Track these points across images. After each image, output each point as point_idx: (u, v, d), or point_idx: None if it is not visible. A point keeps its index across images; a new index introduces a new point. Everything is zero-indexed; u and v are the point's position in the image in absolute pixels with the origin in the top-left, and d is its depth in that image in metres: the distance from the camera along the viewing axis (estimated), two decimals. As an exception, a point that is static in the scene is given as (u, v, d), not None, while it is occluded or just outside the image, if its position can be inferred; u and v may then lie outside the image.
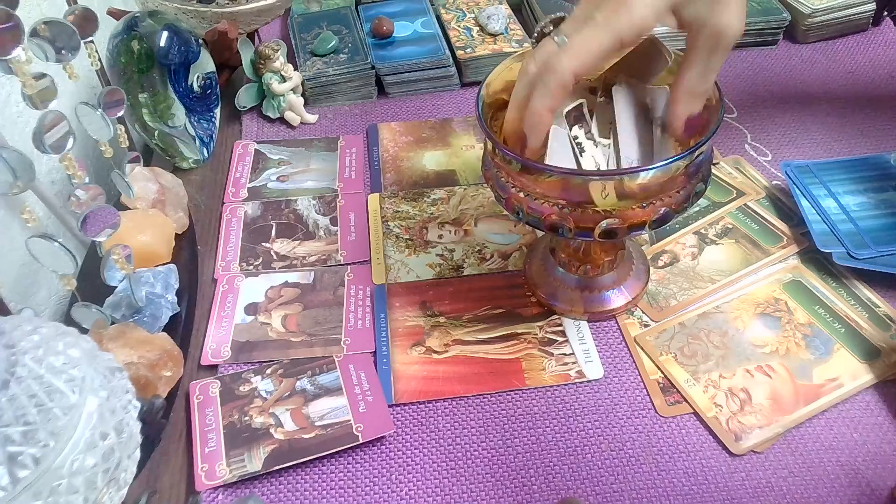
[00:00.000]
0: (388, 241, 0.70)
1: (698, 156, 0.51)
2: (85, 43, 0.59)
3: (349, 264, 0.69)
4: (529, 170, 0.51)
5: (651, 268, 0.65)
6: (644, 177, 0.49)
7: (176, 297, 0.64)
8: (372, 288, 0.66)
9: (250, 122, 0.85)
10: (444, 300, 0.64)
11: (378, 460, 0.54)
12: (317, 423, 0.56)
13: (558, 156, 0.52)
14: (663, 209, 0.51)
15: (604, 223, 0.51)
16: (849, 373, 0.57)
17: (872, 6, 0.89)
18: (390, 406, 0.57)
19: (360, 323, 0.63)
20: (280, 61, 0.83)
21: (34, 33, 0.53)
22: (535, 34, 0.52)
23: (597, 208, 0.50)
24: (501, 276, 0.66)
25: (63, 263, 0.52)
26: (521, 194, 0.53)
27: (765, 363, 0.58)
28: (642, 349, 0.60)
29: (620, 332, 0.61)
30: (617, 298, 0.62)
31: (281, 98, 0.84)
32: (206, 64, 0.79)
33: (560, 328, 0.62)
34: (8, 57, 0.49)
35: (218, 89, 0.81)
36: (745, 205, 0.70)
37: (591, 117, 0.57)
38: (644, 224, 0.51)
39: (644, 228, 0.51)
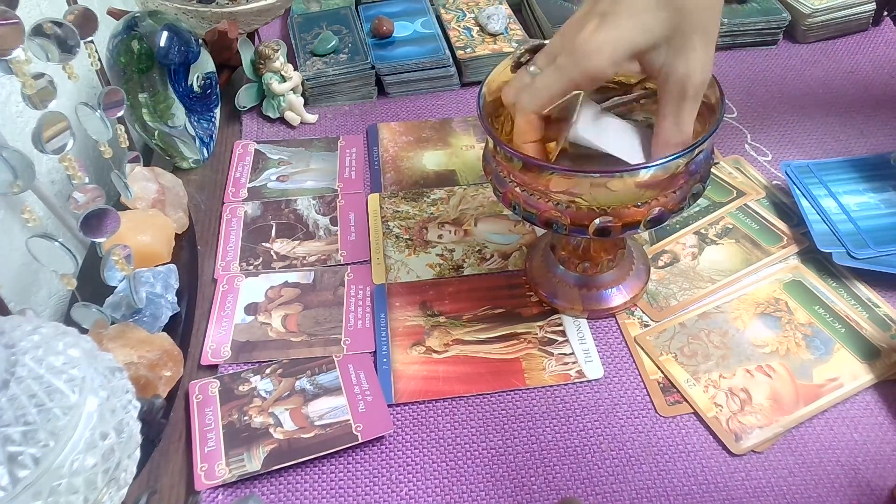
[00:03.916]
0: (388, 241, 0.70)
1: (698, 154, 0.51)
2: (85, 43, 0.59)
3: (349, 264, 0.69)
4: (530, 167, 0.51)
5: (651, 267, 0.65)
6: (644, 174, 0.49)
7: (176, 297, 0.64)
8: (372, 288, 0.66)
9: (250, 122, 0.85)
10: (444, 300, 0.64)
11: (378, 460, 0.54)
12: (316, 423, 0.56)
13: (586, 129, 0.52)
14: (658, 209, 0.51)
15: (598, 221, 0.51)
16: (849, 373, 0.57)
17: (872, 6, 0.89)
18: (390, 406, 0.57)
19: (360, 323, 0.63)
20: (280, 61, 0.83)
21: (34, 33, 0.53)
22: (513, 62, 0.54)
23: (590, 205, 0.50)
24: (501, 276, 0.66)
25: (63, 263, 0.52)
26: (519, 189, 0.53)
27: (765, 363, 0.58)
28: (642, 349, 0.60)
29: (620, 331, 0.61)
30: (616, 297, 0.62)
31: (281, 98, 0.84)
32: (206, 64, 0.79)
33: (560, 328, 0.62)
34: (8, 57, 0.49)
35: (218, 89, 0.81)
36: (745, 205, 0.70)
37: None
38: (639, 223, 0.51)
39: (639, 227, 0.51)
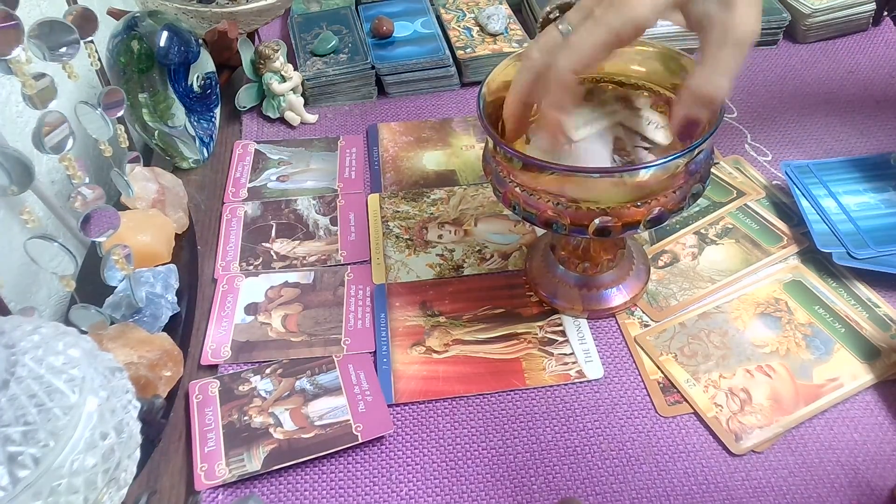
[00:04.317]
0: (388, 241, 0.70)
1: (698, 154, 0.51)
2: (85, 43, 0.59)
3: (349, 264, 0.69)
4: (530, 167, 0.51)
5: (651, 267, 0.65)
6: (644, 174, 0.49)
7: (176, 297, 0.64)
8: (372, 288, 0.66)
9: (250, 122, 0.85)
10: (444, 300, 0.64)
11: (378, 460, 0.54)
12: (316, 423, 0.56)
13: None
14: (658, 209, 0.51)
15: (597, 221, 0.51)
16: (849, 373, 0.57)
17: (872, 6, 0.89)
18: (390, 406, 0.57)
19: (360, 323, 0.63)
20: (280, 61, 0.83)
21: (34, 33, 0.53)
22: (541, 19, 0.52)
23: (591, 206, 0.50)
24: (501, 276, 0.66)
25: (63, 264, 0.52)
26: (519, 190, 0.53)
27: (765, 363, 0.58)
28: (642, 349, 0.60)
29: (620, 331, 0.61)
30: (616, 297, 0.62)
31: (281, 98, 0.84)
32: (206, 64, 0.79)
33: (560, 328, 0.62)
34: (8, 57, 0.49)
35: (218, 89, 0.81)
36: (745, 205, 0.70)
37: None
38: (638, 223, 0.51)
39: (639, 227, 0.51)
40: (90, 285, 0.61)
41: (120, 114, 0.63)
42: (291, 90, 0.84)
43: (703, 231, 0.68)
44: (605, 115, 0.55)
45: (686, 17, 0.47)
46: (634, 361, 0.59)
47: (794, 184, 0.69)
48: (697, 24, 0.47)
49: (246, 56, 0.84)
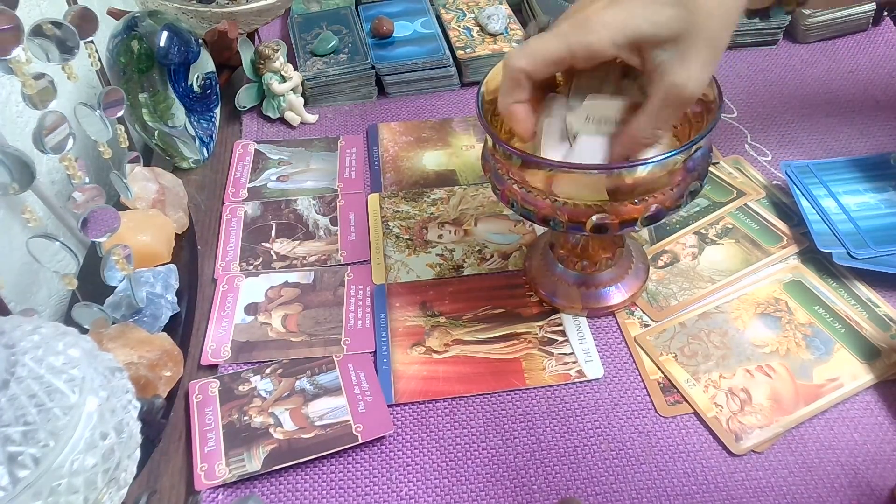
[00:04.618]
0: (388, 241, 0.70)
1: (695, 151, 0.51)
2: (85, 43, 0.59)
3: (349, 264, 0.69)
4: (529, 165, 0.51)
5: (651, 267, 0.65)
6: (641, 171, 0.49)
7: (176, 297, 0.64)
8: (372, 288, 0.66)
9: (250, 122, 0.85)
10: (444, 300, 0.64)
11: (378, 460, 0.54)
12: (316, 423, 0.56)
13: (551, 148, 0.52)
14: (655, 206, 0.51)
15: (595, 218, 0.51)
16: (849, 373, 0.57)
17: (872, 6, 0.89)
18: (390, 406, 0.57)
19: (360, 323, 0.63)
20: (280, 61, 0.83)
21: (33, 33, 0.53)
22: (524, 38, 0.54)
23: (587, 203, 0.51)
24: (501, 276, 0.66)
25: (64, 263, 0.52)
26: (517, 187, 0.53)
27: (765, 363, 0.58)
28: (642, 349, 0.60)
29: (620, 331, 0.61)
30: (615, 295, 0.62)
31: (281, 98, 0.84)
32: (206, 64, 0.79)
33: (560, 328, 0.62)
34: (8, 57, 0.49)
35: (218, 89, 0.81)
36: (745, 205, 0.70)
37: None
38: (636, 220, 0.51)
39: (636, 224, 0.51)
40: (90, 285, 0.61)
41: (120, 114, 0.63)
42: (291, 90, 0.84)
43: (703, 231, 0.68)
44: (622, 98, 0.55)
45: (642, 59, 0.48)
46: (634, 361, 0.59)
47: (794, 184, 0.69)
48: (650, 69, 0.48)
49: (246, 56, 0.84)
